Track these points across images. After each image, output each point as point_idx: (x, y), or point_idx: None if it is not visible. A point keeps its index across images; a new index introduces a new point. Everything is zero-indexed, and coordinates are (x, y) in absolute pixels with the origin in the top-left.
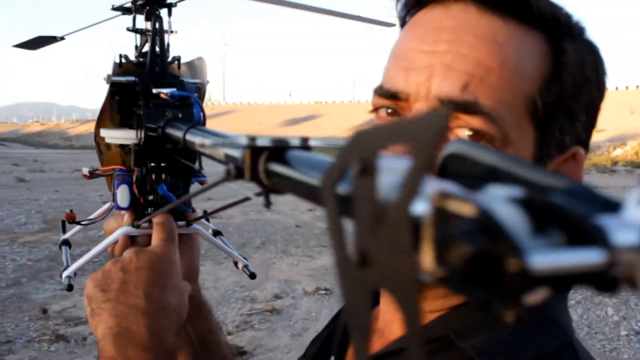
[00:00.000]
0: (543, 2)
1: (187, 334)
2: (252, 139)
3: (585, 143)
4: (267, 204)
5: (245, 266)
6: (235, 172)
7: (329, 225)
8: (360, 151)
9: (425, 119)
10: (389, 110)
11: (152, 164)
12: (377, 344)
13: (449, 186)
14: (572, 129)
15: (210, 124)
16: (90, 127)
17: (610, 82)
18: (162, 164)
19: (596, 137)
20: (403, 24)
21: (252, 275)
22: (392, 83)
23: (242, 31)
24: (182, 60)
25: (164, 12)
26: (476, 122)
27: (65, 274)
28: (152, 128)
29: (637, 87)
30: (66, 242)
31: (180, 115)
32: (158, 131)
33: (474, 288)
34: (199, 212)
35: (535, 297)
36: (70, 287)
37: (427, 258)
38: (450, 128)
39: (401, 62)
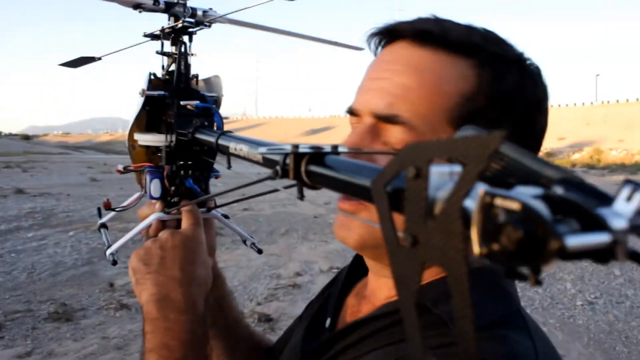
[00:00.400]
0: (463, 35)
1: (207, 300)
2: (296, 146)
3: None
4: (301, 197)
5: (253, 243)
6: (282, 172)
7: (380, 215)
8: (413, 160)
9: (480, 138)
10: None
11: (181, 162)
12: (366, 308)
13: (492, 188)
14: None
15: (246, 134)
16: None
17: (570, 99)
18: (189, 162)
19: (558, 144)
20: None
21: (259, 251)
22: (353, 103)
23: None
24: (201, 77)
25: (186, 38)
26: (398, 130)
27: (108, 251)
28: (183, 133)
29: (591, 103)
30: (104, 225)
31: (205, 123)
32: (188, 136)
33: (512, 260)
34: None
35: (552, 266)
36: (114, 262)
37: (474, 239)
38: (383, 137)
39: (360, 88)
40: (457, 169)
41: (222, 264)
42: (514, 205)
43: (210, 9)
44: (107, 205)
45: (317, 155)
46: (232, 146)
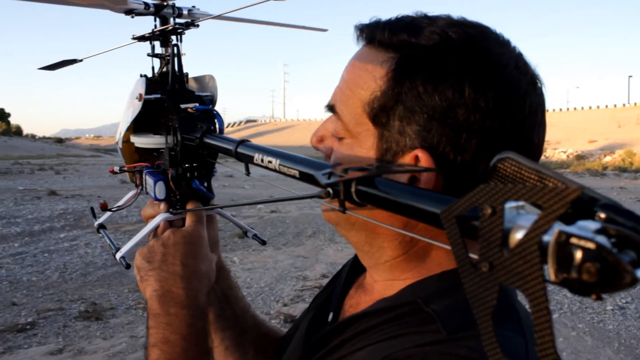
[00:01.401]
0: (392, 28)
1: (214, 292)
2: (345, 170)
3: (434, 148)
4: (343, 210)
5: (255, 235)
6: (333, 193)
7: (452, 241)
8: (489, 199)
9: (559, 190)
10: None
11: (187, 165)
12: (364, 301)
13: (566, 227)
14: (409, 132)
15: (273, 137)
16: None
17: (602, 101)
18: (194, 164)
19: (589, 147)
20: None
21: (263, 242)
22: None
23: (299, 63)
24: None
25: (175, 39)
26: (334, 119)
27: (118, 255)
28: (189, 138)
29: (624, 105)
30: (102, 226)
31: (212, 127)
32: (195, 141)
33: (591, 288)
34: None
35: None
36: (128, 266)
37: (551, 269)
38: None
39: None
40: (521, 204)
41: (249, 265)
42: (590, 245)
43: (194, 6)
44: (103, 206)
45: (367, 178)
46: (257, 157)
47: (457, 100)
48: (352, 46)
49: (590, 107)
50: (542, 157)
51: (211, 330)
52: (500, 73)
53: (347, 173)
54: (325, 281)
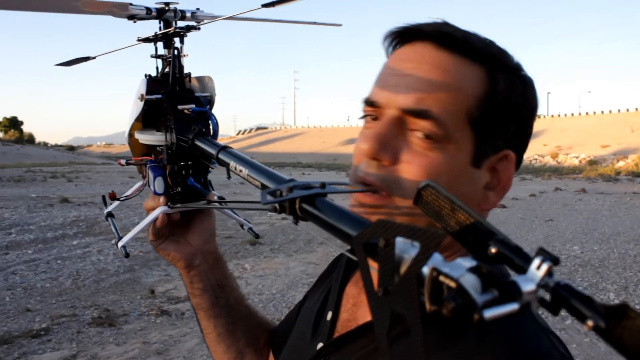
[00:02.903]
0: (481, 44)
1: (209, 280)
2: (290, 189)
3: (517, 147)
4: (296, 222)
5: (250, 228)
6: (280, 208)
7: (360, 266)
8: (383, 233)
9: (432, 232)
10: (372, 117)
11: (182, 163)
12: (362, 311)
13: (439, 263)
14: (503, 135)
15: (284, 144)
16: None
17: (614, 105)
18: (189, 163)
19: (601, 152)
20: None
21: (257, 236)
22: (372, 95)
23: (310, 70)
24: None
25: (177, 40)
26: (428, 125)
27: (120, 244)
28: (183, 139)
29: (637, 109)
30: (111, 214)
31: (204, 129)
32: (188, 142)
33: (451, 323)
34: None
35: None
36: (127, 255)
37: (426, 299)
38: (409, 130)
39: (379, 82)
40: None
41: (261, 272)
42: (452, 284)
43: (198, 9)
44: (112, 195)
45: (309, 197)
46: (232, 164)
47: (532, 109)
48: (364, 52)
49: (602, 112)
50: (555, 162)
51: (205, 317)
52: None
53: (291, 191)
54: None
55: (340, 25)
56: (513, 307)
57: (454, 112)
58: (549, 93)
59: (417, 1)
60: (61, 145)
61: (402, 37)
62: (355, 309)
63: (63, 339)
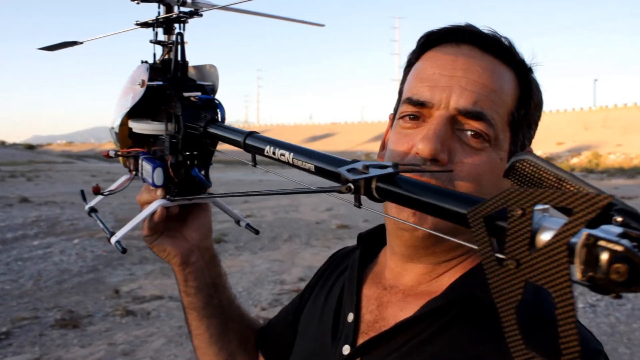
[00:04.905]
0: (513, 49)
1: (204, 279)
2: (367, 166)
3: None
4: (359, 205)
5: (247, 224)
6: (354, 188)
7: (478, 239)
8: (519, 202)
9: (591, 196)
10: (411, 117)
11: (187, 153)
12: (396, 298)
13: (593, 231)
14: (530, 135)
15: None
16: None
17: (569, 104)
18: (195, 153)
19: (557, 149)
20: (418, 57)
21: (256, 232)
22: (419, 95)
23: (273, 68)
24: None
25: (178, 26)
26: (481, 126)
27: (114, 239)
28: (192, 127)
29: (590, 108)
30: (94, 210)
31: (216, 117)
32: (199, 130)
33: (617, 287)
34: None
35: None
36: (124, 250)
37: (577, 269)
38: (460, 130)
39: (427, 81)
40: (546, 207)
41: (226, 269)
42: (619, 248)
43: None
44: (96, 189)
45: (387, 176)
46: (269, 149)
47: (541, 113)
48: (327, 51)
49: (558, 110)
50: None
51: (197, 317)
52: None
53: (368, 170)
54: (303, 285)
55: (323, 25)
56: None
57: (501, 114)
58: None
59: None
60: (20, 144)
61: (446, 37)
62: (381, 310)
63: (25, 343)
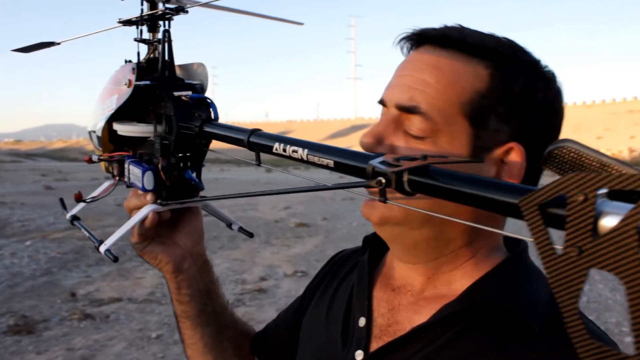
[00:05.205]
0: (479, 41)
1: (197, 286)
2: (397, 159)
3: (527, 141)
4: (384, 200)
5: (240, 227)
6: (385, 183)
7: (533, 229)
8: (580, 187)
9: None
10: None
11: (180, 155)
12: (406, 301)
13: None
14: (505, 128)
15: None
16: None
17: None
18: (188, 154)
19: None
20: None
21: (251, 235)
22: (382, 96)
23: (228, 66)
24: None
25: (163, 24)
26: (417, 119)
27: (103, 248)
28: (187, 127)
29: None
30: (76, 217)
31: (211, 116)
32: (194, 129)
33: None
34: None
35: None
36: (116, 259)
37: None
38: (404, 127)
39: (388, 84)
40: (603, 191)
41: None
42: None
43: None
44: (77, 196)
45: (420, 168)
46: (277, 147)
47: (547, 109)
48: (283, 49)
49: None
50: None
51: (191, 326)
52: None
53: (399, 162)
54: (264, 284)
55: (302, 24)
56: None
57: (444, 107)
58: None
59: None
60: None
61: (410, 42)
62: (394, 313)
63: None
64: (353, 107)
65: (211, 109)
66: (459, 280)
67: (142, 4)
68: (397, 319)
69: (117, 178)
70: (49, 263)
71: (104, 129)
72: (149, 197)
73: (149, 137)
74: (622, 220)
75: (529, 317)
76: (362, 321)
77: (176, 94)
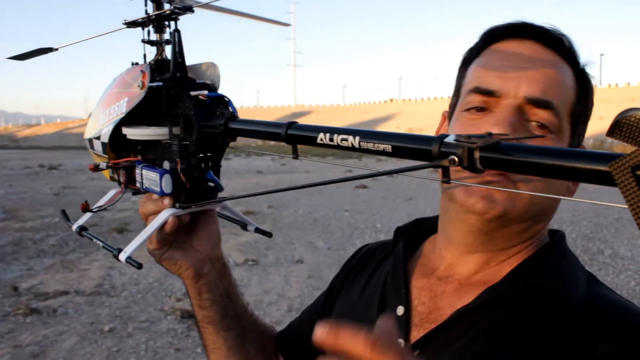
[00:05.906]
0: (572, 46)
1: (217, 289)
2: (468, 136)
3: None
4: (448, 180)
5: (256, 228)
6: (458, 160)
7: (629, 195)
8: None
9: None
10: (478, 109)
11: (201, 155)
12: (451, 287)
13: None
14: (584, 130)
15: None
16: (35, 130)
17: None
18: (208, 154)
19: None
20: (479, 52)
21: (270, 235)
22: (488, 84)
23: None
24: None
25: (170, 24)
26: (548, 115)
27: (123, 256)
28: (211, 125)
29: None
30: (84, 228)
31: (234, 113)
32: (219, 128)
33: None
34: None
35: None
36: (140, 266)
37: None
38: (526, 120)
39: (494, 72)
40: None
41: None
42: None
43: None
44: (84, 206)
45: (492, 145)
46: (323, 137)
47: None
48: (219, 39)
49: (449, 97)
50: None
51: (214, 331)
52: None
53: (470, 139)
54: None
55: (288, 25)
56: None
57: (565, 106)
58: (400, 78)
59: None
60: None
61: (508, 33)
62: (436, 301)
63: None
64: (293, 94)
65: (230, 107)
66: (509, 266)
67: (145, 5)
68: (438, 305)
69: (125, 186)
70: None
71: (111, 135)
72: (167, 201)
73: (162, 140)
74: None
75: (573, 296)
76: (400, 310)
77: (193, 93)
